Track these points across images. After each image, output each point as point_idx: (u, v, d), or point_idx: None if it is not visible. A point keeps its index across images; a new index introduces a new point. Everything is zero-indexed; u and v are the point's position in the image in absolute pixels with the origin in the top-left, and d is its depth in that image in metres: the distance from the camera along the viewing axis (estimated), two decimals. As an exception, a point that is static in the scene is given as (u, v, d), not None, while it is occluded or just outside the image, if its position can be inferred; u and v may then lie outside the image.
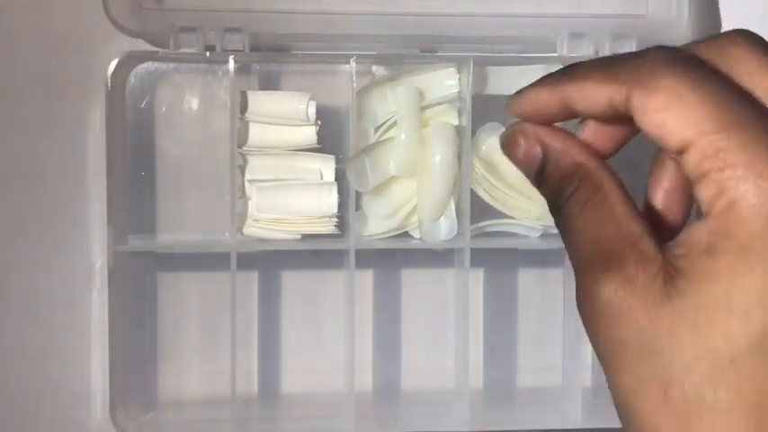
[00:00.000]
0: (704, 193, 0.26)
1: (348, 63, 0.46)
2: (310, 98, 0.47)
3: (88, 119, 0.49)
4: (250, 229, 0.47)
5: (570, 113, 0.30)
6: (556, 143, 0.30)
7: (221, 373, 0.48)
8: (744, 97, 0.26)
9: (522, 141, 0.31)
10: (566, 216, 0.29)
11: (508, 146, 0.31)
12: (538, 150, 0.30)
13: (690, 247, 0.26)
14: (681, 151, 0.26)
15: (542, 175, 0.30)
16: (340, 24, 0.47)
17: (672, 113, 0.26)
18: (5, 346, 0.49)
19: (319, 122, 0.47)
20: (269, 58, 0.49)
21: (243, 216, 0.47)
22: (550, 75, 0.30)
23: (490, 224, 0.49)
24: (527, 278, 0.52)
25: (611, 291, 0.27)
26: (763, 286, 0.25)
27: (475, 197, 0.48)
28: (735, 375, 0.24)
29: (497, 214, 0.49)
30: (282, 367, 0.51)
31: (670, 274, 0.26)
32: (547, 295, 0.52)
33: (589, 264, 0.28)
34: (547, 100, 0.30)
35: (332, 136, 0.48)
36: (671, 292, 0.26)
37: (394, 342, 0.52)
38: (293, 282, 0.51)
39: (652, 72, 0.27)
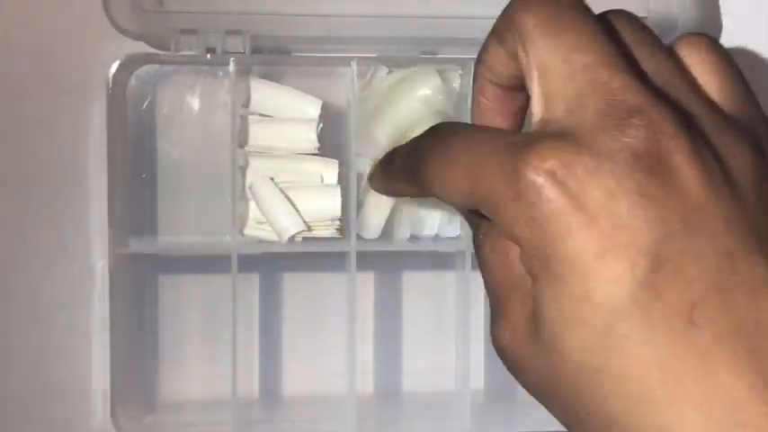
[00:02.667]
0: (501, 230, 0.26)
1: (349, 65, 0.46)
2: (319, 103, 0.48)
3: (89, 121, 0.49)
4: (251, 231, 0.47)
5: None
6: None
7: (222, 375, 0.48)
8: (487, 139, 0.27)
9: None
10: (478, 256, 0.29)
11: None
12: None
13: None
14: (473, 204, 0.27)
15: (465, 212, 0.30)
16: (341, 27, 0.47)
17: (447, 185, 0.27)
18: (6, 348, 0.49)
19: (321, 125, 0.47)
20: (270, 60, 0.49)
21: (244, 217, 0.47)
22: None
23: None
24: (528, 280, 0.52)
25: (504, 340, 0.26)
26: (576, 287, 0.23)
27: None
28: (607, 376, 0.23)
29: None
30: (283, 369, 0.51)
31: (535, 310, 0.25)
32: (548, 297, 0.52)
33: (491, 308, 0.27)
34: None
35: (332, 138, 0.48)
36: (537, 326, 0.25)
37: (395, 344, 0.52)
38: (294, 284, 0.51)
39: (422, 155, 0.28)
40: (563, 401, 0.25)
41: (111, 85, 0.46)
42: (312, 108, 0.48)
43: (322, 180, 0.48)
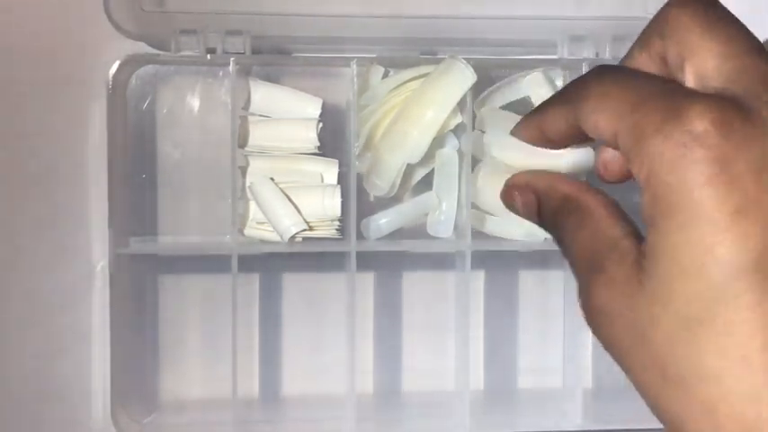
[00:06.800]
0: (634, 170, 0.26)
1: (349, 66, 0.46)
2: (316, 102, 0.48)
3: (89, 121, 0.49)
4: (251, 231, 0.47)
5: (573, 137, 0.31)
6: (542, 184, 0.32)
7: (222, 375, 0.48)
8: (653, 81, 0.28)
9: (516, 193, 0.33)
10: (562, 242, 0.30)
11: (507, 200, 0.33)
12: (531, 196, 0.32)
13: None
14: (616, 142, 0.27)
15: (540, 215, 0.32)
16: (340, 27, 0.47)
17: (601, 112, 0.28)
18: (7, 348, 0.49)
19: (321, 124, 0.47)
20: (270, 60, 0.49)
21: (244, 217, 0.47)
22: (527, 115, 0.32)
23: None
24: (527, 280, 0.53)
25: (598, 293, 0.27)
26: (702, 237, 0.24)
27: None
28: (709, 330, 0.24)
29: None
30: (283, 369, 0.51)
31: (640, 262, 0.26)
32: (547, 297, 0.52)
33: (581, 272, 0.29)
34: (529, 134, 0.32)
35: (332, 138, 0.48)
36: (641, 277, 0.26)
37: (395, 344, 0.52)
38: (294, 284, 0.51)
39: (585, 84, 0.29)
40: (650, 354, 0.25)
41: (111, 85, 0.46)
42: (312, 108, 0.48)
43: (322, 180, 0.48)
